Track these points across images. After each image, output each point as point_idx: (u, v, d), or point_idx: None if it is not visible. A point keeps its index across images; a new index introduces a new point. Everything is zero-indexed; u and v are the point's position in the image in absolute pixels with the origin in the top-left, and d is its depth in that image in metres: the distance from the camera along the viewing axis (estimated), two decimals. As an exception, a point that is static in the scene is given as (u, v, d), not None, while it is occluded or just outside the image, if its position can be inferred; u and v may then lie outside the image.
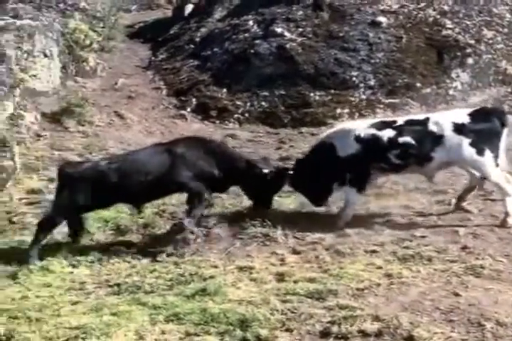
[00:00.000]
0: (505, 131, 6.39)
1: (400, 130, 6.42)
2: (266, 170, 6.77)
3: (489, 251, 5.51)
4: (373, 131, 6.50)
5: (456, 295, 4.62)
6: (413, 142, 6.33)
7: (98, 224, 7.57)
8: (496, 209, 6.53)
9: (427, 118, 6.48)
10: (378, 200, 7.16)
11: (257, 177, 6.77)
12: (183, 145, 7.16)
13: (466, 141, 6.24)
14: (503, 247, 5.63)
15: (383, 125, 6.59)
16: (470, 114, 6.45)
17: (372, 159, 6.52)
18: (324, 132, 7.51)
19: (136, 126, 12.25)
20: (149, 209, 7.82)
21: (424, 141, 6.32)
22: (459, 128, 6.29)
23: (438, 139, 6.29)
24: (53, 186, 9.14)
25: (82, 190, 6.86)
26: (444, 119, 6.42)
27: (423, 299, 4.57)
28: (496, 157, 6.29)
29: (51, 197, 8.71)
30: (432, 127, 6.36)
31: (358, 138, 6.50)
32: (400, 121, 6.64)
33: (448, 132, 6.29)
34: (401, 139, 6.36)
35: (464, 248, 5.59)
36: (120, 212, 7.86)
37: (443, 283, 4.88)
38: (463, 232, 5.97)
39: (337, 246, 5.84)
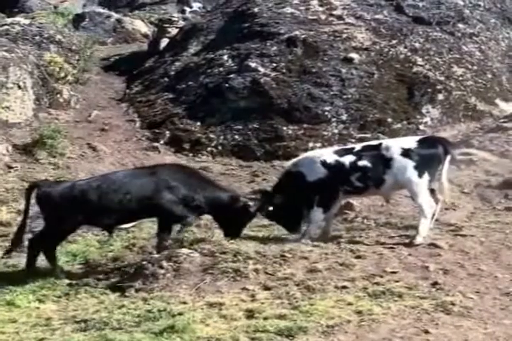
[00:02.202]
0: (448, 157, 7.04)
1: (359, 155, 7.03)
2: (250, 203, 7.04)
3: (459, 288, 5.53)
4: (336, 157, 7.09)
5: (426, 332, 4.61)
6: (370, 165, 6.92)
7: (66, 258, 7.46)
8: (467, 245, 6.58)
9: (380, 144, 7.18)
10: (349, 235, 7.18)
11: (236, 209, 7.00)
12: (166, 169, 7.26)
13: (411, 164, 6.83)
14: (473, 283, 5.66)
15: (344, 151, 7.25)
16: (418, 141, 7.08)
17: (338, 182, 7.03)
18: (287, 162, 7.98)
19: (108, 158, 12.17)
20: (119, 242, 7.75)
21: (377, 165, 6.93)
22: (406, 153, 6.89)
23: (388, 162, 6.90)
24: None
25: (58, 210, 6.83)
26: (394, 144, 7.05)
27: (393, 336, 4.55)
28: (431, 181, 6.89)
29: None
30: (383, 151, 6.97)
31: (324, 164, 7.08)
32: (358, 147, 7.31)
33: (396, 156, 6.89)
34: (360, 163, 6.97)
35: (435, 284, 5.61)
36: (89, 246, 7.77)
37: (413, 320, 4.87)
38: (433, 268, 5.99)
39: (308, 282, 5.80)
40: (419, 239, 6.70)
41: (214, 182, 7.59)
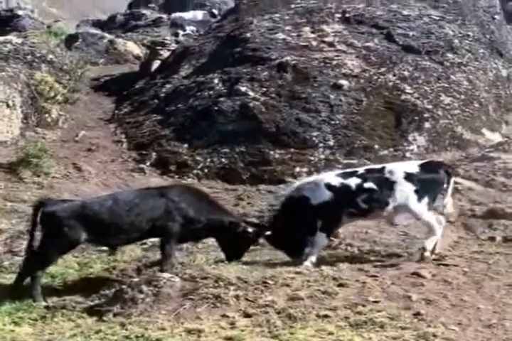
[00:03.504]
0: (452, 181, 7.33)
1: (364, 177, 7.13)
2: (250, 229, 7.17)
3: (441, 319, 5.45)
4: (341, 179, 7.17)
5: (407, 364, 4.53)
6: (375, 187, 7.03)
7: (45, 280, 7.33)
8: (449, 275, 6.53)
9: (383, 167, 7.30)
10: (332, 262, 7.11)
11: (236, 234, 7.14)
12: (176, 191, 7.34)
13: (411, 188, 7.00)
14: (455, 314, 5.58)
15: (348, 174, 7.35)
16: (420, 165, 7.29)
17: (343, 205, 7.09)
18: (288, 187, 8.13)
19: (93, 179, 12.08)
20: (99, 264, 7.65)
21: (381, 187, 7.03)
22: (409, 177, 7.05)
23: (391, 185, 7.02)
24: (2, 238, 8.98)
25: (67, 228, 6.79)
26: (397, 168, 7.23)
27: (373, 368, 4.46)
28: (431, 202, 7.05)
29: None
30: (387, 174, 7.11)
31: (329, 187, 7.12)
32: (361, 170, 7.41)
33: (400, 179, 7.04)
34: (366, 185, 7.05)
35: (417, 314, 5.52)
36: (68, 267, 7.65)
37: (394, 351, 4.79)
38: (416, 298, 5.90)
39: (289, 310, 5.70)
40: (427, 254, 6.89)
41: (219, 206, 7.68)
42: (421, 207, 7.00)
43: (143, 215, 6.96)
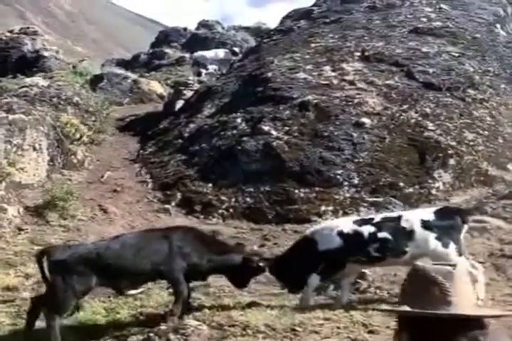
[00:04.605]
0: (466, 227, 7.39)
1: (379, 226, 7.21)
2: (261, 264, 7.39)
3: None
4: (355, 226, 7.29)
5: None
6: (390, 237, 7.11)
7: (72, 325, 7.34)
8: (481, 320, 6.38)
9: (400, 216, 7.38)
10: (362, 306, 7.01)
11: (247, 268, 7.31)
12: (180, 234, 7.28)
13: (432, 236, 7.08)
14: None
15: (363, 221, 7.43)
16: (435, 212, 7.35)
17: (351, 252, 7.22)
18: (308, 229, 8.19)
19: (119, 221, 12.16)
20: (126, 310, 7.62)
21: (398, 236, 7.12)
22: (426, 225, 7.14)
23: (409, 234, 7.11)
24: (29, 283, 9.04)
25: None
26: (413, 216, 7.28)
27: None
28: (459, 248, 7.11)
29: (27, 294, 8.55)
30: (403, 223, 7.19)
31: (340, 234, 7.25)
32: (377, 218, 7.50)
33: (417, 227, 7.13)
34: (380, 234, 7.14)
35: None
36: (95, 313, 7.63)
37: None
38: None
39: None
40: (480, 303, 6.76)
41: (223, 244, 7.80)
42: (452, 253, 7.03)
43: (148, 259, 7.03)
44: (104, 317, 7.63)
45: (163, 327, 6.52)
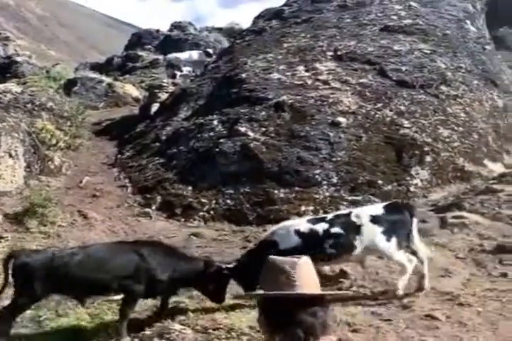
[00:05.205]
0: (415, 220, 7.61)
1: (331, 223, 7.48)
2: (226, 265, 7.43)
3: (458, 363, 5.42)
4: (310, 225, 7.53)
5: None
6: (342, 232, 7.36)
7: (57, 331, 7.30)
8: (464, 315, 6.50)
9: (350, 212, 7.65)
10: (345, 306, 7.07)
11: (214, 276, 7.27)
12: (148, 247, 7.26)
13: (379, 230, 7.32)
14: (472, 358, 5.56)
15: (317, 220, 7.69)
16: (384, 207, 7.61)
17: (309, 250, 7.12)
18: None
19: (99, 226, 12.07)
20: (110, 316, 7.59)
21: (348, 231, 7.37)
22: (375, 220, 7.39)
23: (358, 229, 7.37)
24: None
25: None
26: (363, 212, 7.54)
27: None
28: (400, 242, 7.34)
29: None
30: (353, 218, 7.44)
31: (297, 232, 7.47)
32: (330, 216, 7.79)
33: (366, 222, 7.38)
34: (332, 230, 7.40)
35: (433, 360, 5.50)
36: (80, 319, 7.59)
37: None
38: (431, 341, 5.89)
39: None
40: (400, 292, 7.16)
41: (191, 258, 7.75)
42: (390, 247, 7.29)
43: (112, 273, 6.92)
44: (89, 323, 7.58)
45: (147, 332, 6.53)
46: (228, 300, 7.78)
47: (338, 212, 8.13)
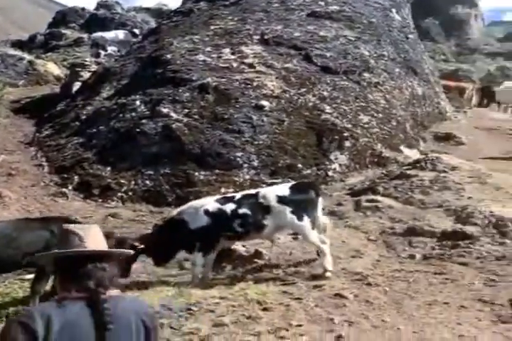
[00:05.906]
0: (320, 199, 7.78)
1: (239, 203, 7.56)
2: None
3: (363, 341, 5.55)
4: (218, 205, 7.59)
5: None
6: (249, 212, 7.45)
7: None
8: (371, 295, 6.65)
9: (257, 192, 7.74)
10: (257, 285, 7.13)
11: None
12: (58, 223, 7.11)
13: (288, 210, 7.42)
14: (376, 336, 5.68)
15: (225, 200, 7.74)
16: (290, 188, 7.70)
17: (219, 229, 7.52)
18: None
19: (13, 205, 11.67)
20: (21, 294, 7.40)
21: (256, 211, 7.47)
22: (281, 200, 7.47)
23: (267, 209, 7.45)
24: None
25: None
26: (270, 192, 7.63)
27: None
28: (313, 221, 7.47)
29: None
30: (261, 199, 7.52)
31: (206, 212, 7.54)
32: (238, 195, 7.84)
33: (273, 203, 7.46)
34: (240, 210, 7.48)
35: (339, 337, 5.57)
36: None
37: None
38: (338, 320, 5.97)
39: (213, 337, 5.68)
40: (328, 274, 7.25)
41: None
42: (306, 226, 7.41)
43: (21, 250, 6.75)
44: None
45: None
46: (141, 279, 7.74)
47: (246, 192, 8.18)
